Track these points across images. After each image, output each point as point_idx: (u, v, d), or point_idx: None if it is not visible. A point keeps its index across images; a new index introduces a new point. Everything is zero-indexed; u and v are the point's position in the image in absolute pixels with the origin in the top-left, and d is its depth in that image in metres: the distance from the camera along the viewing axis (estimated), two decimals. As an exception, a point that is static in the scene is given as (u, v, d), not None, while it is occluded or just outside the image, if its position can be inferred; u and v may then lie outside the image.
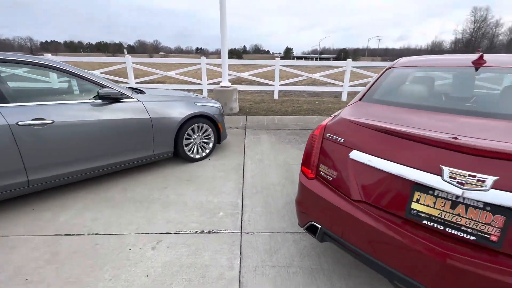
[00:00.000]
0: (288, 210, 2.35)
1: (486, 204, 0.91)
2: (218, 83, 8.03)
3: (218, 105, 3.64)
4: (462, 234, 0.96)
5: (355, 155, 1.24)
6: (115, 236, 1.98)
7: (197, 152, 3.43)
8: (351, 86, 8.06)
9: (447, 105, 1.58)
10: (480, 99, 1.74)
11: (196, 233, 2.02)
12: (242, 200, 2.51)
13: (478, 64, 1.66)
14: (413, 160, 1.06)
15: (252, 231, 2.06)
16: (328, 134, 1.43)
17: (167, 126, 2.96)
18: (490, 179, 0.88)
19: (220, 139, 3.68)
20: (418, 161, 1.04)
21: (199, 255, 1.80)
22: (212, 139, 3.54)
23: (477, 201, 0.92)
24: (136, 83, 7.90)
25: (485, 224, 0.92)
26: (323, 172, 1.42)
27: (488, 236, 0.91)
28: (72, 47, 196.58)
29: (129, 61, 7.64)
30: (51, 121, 2.17)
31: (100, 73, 7.83)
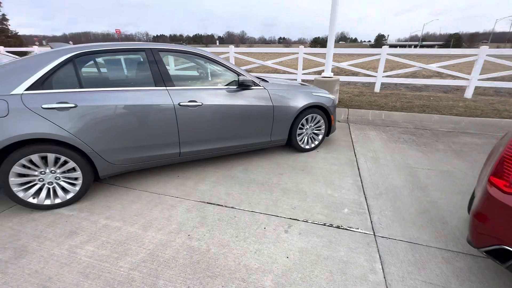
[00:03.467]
0: (426, 220, 2.06)
1: None
2: (314, 73, 7.82)
3: (332, 96, 3.50)
4: None
5: None
6: (248, 212, 2.16)
7: (307, 143, 3.41)
8: (482, 80, 6.47)
9: None
10: None
11: (324, 225, 2.00)
12: (366, 199, 2.35)
13: None
14: None
15: (386, 235, 1.89)
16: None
17: (286, 115, 3.02)
18: None
19: (330, 131, 3.55)
20: None
21: (334, 249, 1.77)
22: (323, 131, 3.45)
23: None
24: (235, 71, 8.52)
25: None
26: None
27: None
28: (175, 39, 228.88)
29: (232, 50, 8.25)
30: (200, 104, 2.51)
31: (207, 62, 8.76)
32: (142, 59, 2.45)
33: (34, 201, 2.13)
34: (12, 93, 1.93)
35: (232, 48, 8.27)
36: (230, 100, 2.68)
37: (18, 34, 31.23)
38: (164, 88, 2.40)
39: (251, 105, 2.78)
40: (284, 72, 8.39)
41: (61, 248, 1.77)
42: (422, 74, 11.20)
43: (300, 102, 3.09)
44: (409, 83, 8.63)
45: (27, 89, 1.97)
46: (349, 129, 4.43)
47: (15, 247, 1.79)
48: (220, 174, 2.81)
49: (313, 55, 7.85)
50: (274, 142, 3.13)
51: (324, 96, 3.35)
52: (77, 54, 2.15)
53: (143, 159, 2.44)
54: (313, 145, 3.44)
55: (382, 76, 7.10)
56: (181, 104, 2.42)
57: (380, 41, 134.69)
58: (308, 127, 3.32)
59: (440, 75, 10.87)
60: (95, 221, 2.05)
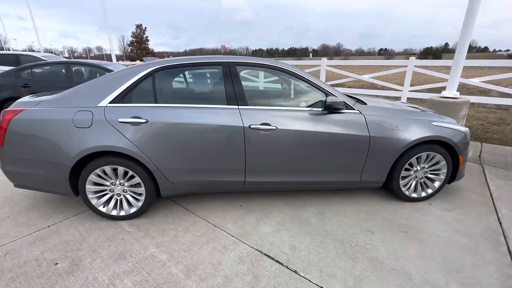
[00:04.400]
0: None
1: None
2: (425, 90, 6.24)
3: (463, 128, 2.41)
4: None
5: None
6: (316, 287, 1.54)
7: (415, 190, 2.45)
8: None
9: None
10: None
11: None
12: (534, 324, 1.32)
13: None
14: None
15: None
16: None
17: (387, 150, 2.22)
18: None
19: (455, 178, 2.46)
20: None
21: None
22: (442, 176, 2.41)
23: None
24: (325, 86, 7.80)
25: None
26: None
27: None
28: (271, 53, 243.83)
29: (324, 63, 7.61)
30: (274, 128, 2.07)
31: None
32: (217, 74, 2.23)
33: (104, 209, 2.17)
34: (98, 105, 2.01)
35: (324, 61, 7.64)
36: (313, 125, 2.13)
37: (154, 51, 40.07)
38: (236, 107, 2.09)
39: (339, 134, 2.14)
40: (384, 88, 7.10)
41: (105, 274, 1.65)
42: None
43: (411, 134, 2.22)
44: None
45: (110, 102, 2.02)
46: (484, 174, 3.06)
47: (73, 257, 1.79)
48: (288, 214, 2.28)
49: (425, 68, 6.29)
50: (365, 183, 2.36)
51: (449, 127, 2.33)
52: (157, 69, 2.10)
53: (205, 183, 2.19)
54: (423, 194, 2.45)
55: (543, 99, 4.91)
56: (252, 126, 2.04)
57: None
58: (419, 168, 2.37)
59: None
60: (145, 247, 1.89)
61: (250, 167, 2.15)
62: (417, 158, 2.33)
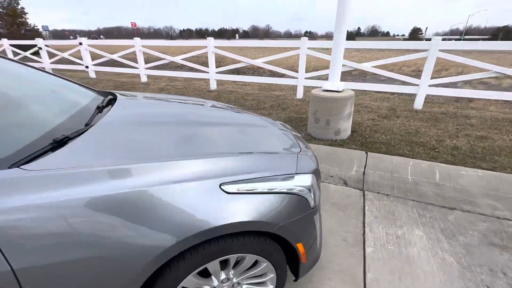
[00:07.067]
0: None
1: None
2: (326, 78, 5.37)
3: (306, 182, 1.16)
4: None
5: None
6: None
7: (220, 323, 1.14)
8: None
9: None
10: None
11: None
12: None
13: None
14: None
15: None
16: None
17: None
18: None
19: (299, 272, 1.25)
20: None
21: None
22: (272, 285, 1.16)
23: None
24: (216, 72, 6.28)
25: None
26: None
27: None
28: (201, 34, 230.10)
29: (210, 44, 6.02)
30: None
31: (182, 59, 6.64)
32: None
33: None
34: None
35: (211, 42, 6.05)
36: None
37: (37, 27, 31.49)
38: None
39: None
40: (276, 73, 6.03)
41: None
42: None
43: (166, 231, 0.82)
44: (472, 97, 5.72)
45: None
46: (364, 215, 2.05)
47: None
48: None
49: (323, 51, 5.37)
50: None
51: (262, 191, 1.03)
52: None
53: None
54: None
55: (429, 86, 4.48)
56: None
57: (415, 35, 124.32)
58: (218, 283, 1.05)
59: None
60: None
61: None
62: (202, 272, 0.98)
